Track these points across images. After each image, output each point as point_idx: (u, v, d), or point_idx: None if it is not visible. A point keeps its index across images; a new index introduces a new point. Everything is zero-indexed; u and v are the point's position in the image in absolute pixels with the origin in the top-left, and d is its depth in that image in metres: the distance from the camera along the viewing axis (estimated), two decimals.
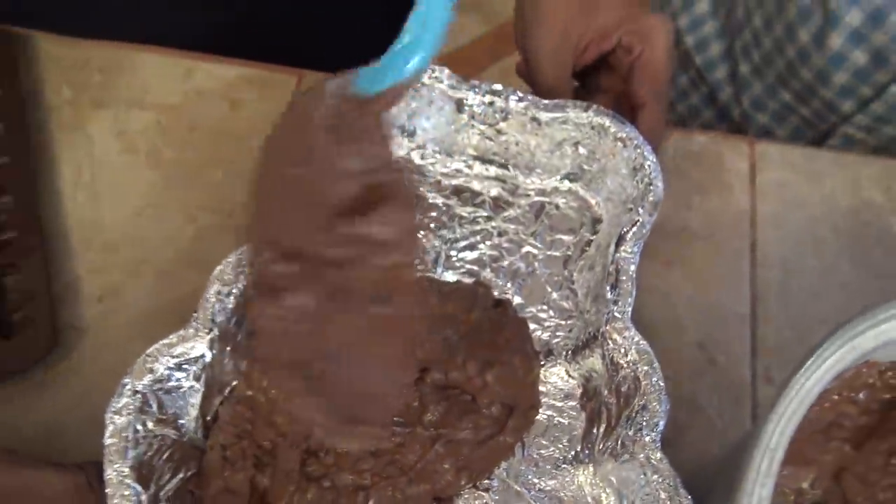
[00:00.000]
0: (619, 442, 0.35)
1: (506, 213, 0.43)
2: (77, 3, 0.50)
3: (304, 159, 0.26)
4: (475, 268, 0.42)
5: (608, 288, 0.38)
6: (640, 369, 0.35)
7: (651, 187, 0.39)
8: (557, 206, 0.43)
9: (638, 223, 0.39)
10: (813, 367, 0.28)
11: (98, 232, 0.44)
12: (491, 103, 0.41)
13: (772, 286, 0.43)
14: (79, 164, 0.46)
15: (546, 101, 0.41)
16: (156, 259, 0.43)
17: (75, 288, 0.42)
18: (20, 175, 0.44)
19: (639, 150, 0.40)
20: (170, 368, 0.35)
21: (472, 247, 0.43)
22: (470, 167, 0.44)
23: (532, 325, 0.40)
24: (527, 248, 0.42)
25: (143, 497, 0.32)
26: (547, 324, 0.41)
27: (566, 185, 0.43)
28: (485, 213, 0.43)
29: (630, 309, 0.36)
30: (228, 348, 0.37)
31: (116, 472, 0.32)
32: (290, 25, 0.57)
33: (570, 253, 0.42)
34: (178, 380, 0.35)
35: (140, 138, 0.47)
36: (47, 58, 0.49)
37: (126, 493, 0.32)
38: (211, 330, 0.36)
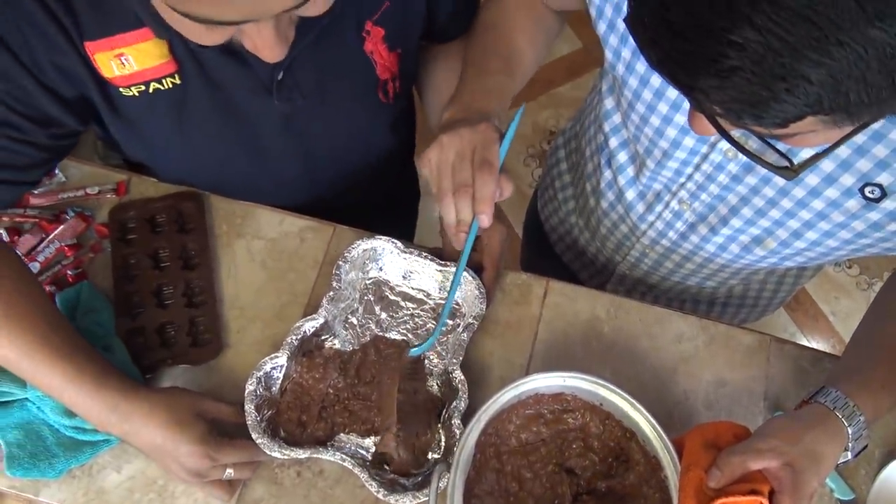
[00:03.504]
0: (451, 420, 0.85)
1: (422, 307, 0.93)
2: (228, 186, 1.01)
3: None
4: (407, 334, 0.92)
5: (460, 347, 0.88)
6: (461, 387, 0.85)
7: (482, 304, 0.89)
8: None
9: (476, 315, 0.88)
10: (499, 395, 0.78)
11: (237, 300, 0.95)
12: (417, 260, 0.92)
13: (540, 352, 0.92)
14: (229, 266, 0.97)
15: (442, 261, 0.91)
16: (263, 316, 0.94)
17: (227, 326, 0.93)
18: (206, 271, 0.95)
19: (481, 287, 0.90)
20: (271, 367, 0.86)
21: (404, 323, 0.93)
22: (407, 284, 0.94)
23: (427, 362, 0.91)
24: (429, 325, 0.93)
25: (258, 418, 0.83)
26: (433, 361, 0.91)
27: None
28: (412, 307, 0.94)
29: (460, 360, 0.86)
30: (293, 361, 0.88)
31: (248, 408, 0.83)
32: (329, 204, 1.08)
33: (452, 330, 0.92)
34: (272, 372, 0.86)
35: (257, 254, 0.98)
36: (215, 209, 1.00)
37: (252, 416, 0.83)
38: (287, 352, 0.87)
